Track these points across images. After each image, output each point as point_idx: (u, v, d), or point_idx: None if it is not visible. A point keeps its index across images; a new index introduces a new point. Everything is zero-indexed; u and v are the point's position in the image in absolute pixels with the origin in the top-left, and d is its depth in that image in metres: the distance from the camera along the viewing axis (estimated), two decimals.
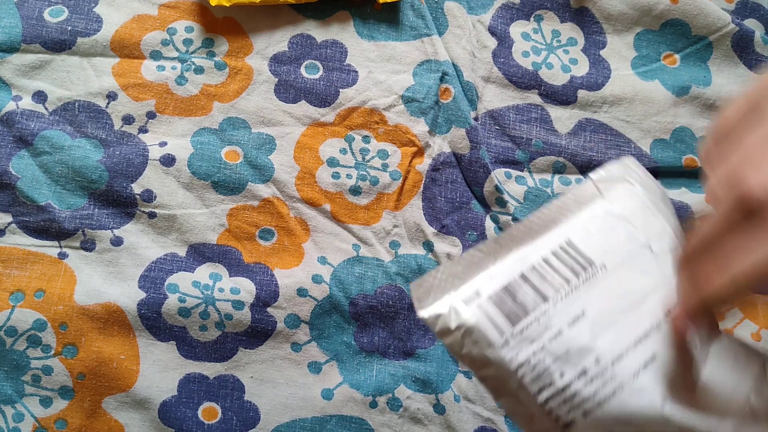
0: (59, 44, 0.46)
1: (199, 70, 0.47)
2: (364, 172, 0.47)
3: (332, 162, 0.47)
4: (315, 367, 0.44)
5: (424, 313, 0.25)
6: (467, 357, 0.24)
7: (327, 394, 0.43)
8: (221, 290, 0.43)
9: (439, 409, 0.43)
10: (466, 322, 0.24)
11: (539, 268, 0.25)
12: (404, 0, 0.50)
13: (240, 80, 0.47)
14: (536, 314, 0.24)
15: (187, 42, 0.48)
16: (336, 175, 0.46)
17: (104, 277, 0.43)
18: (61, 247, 0.44)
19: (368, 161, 0.47)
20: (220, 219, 0.45)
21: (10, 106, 0.45)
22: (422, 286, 0.26)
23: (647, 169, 0.48)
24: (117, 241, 0.44)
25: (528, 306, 0.24)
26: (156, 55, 0.47)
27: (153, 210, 0.44)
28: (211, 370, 0.43)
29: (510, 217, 0.47)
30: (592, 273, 0.25)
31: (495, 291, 0.24)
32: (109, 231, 0.44)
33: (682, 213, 0.47)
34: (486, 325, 0.24)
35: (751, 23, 0.53)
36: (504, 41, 0.50)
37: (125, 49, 0.47)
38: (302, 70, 0.48)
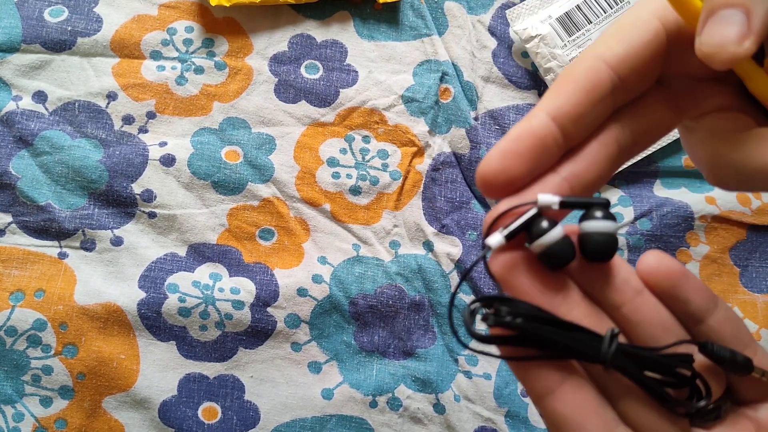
0: (59, 44, 0.46)
1: (199, 70, 0.47)
2: (364, 172, 0.47)
3: (332, 162, 0.47)
4: (315, 367, 0.44)
5: (517, 26, 0.48)
6: (540, 55, 0.47)
7: (327, 394, 0.43)
8: (221, 290, 0.43)
9: (439, 408, 0.43)
10: (543, 32, 0.47)
11: (589, 2, 0.46)
12: (404, 0, 0.50)
13: (240, 80, 0.47)
14: (583, 30, 0.46)
15: (187, 42, 0.48)
16: (336, 175, 0.46)
17: (104, 277, 0.43)
18: (61, 247, 0.44)
19: (368, 161, 0.47)
20: (220, 219, 0.45)
21: (10, 106, 0.45)
22: (515, 11, 0.49)
23: (647, 168, 0.49)
24: (117, 241, 0.44)
25: (579, 25, 0.46)
26: (156, 55, 0.47)
27: (153, 210, 0.45)
28: (211, 369, 0.43)
29: None
30: (621, 6, 0.46)
31: (559, 14, 0.47)
32: (109, 231, 0.44)
33: (682, 213, 0.47)
34: (553, 34, 0.46)
35: None
36: (504, 41, 0.50)
37: (125, 49, 0.47)
38: (302, 70, 0.48)
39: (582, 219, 0.20)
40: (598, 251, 0.20)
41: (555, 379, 0.20)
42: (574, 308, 0.20)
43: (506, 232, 0.19)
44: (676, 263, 0.21)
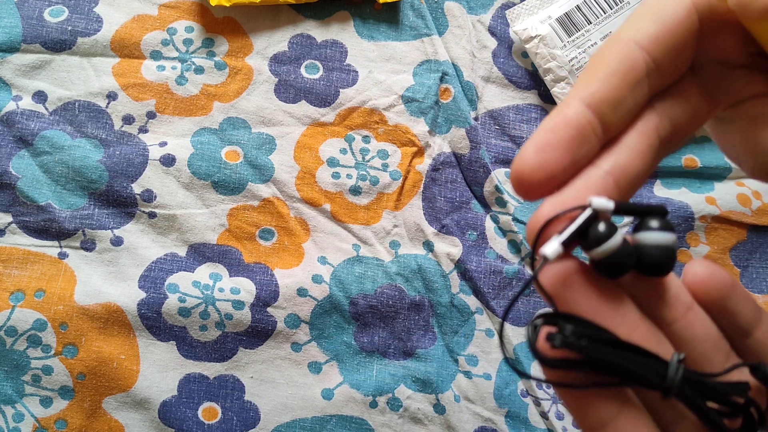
0: (59, 44, 0.46)
1: (199, 70, 0.47)
2: (364, 172, 0.47)
3: (332, 162, 0.47)
4: (315, 367, 0.44)
5: (517, 26, 0.48)
6: (540, 55, 0.47)
7: (327, 394, 0.43)
8: (221, 290, 0.43)
9: (439, 409, 0.43)
10: (542, 33, 0.47)
11: (589, 2, 0.46)
12: (404, 0, 0.50)
13: (240, 80, 0.47)
14: (582, 31, 0.46)
15: (187, 42, 0.48)
16: (336, 175, 0.46)
17: (104, 277, 0.43)
18: (61, 247, 0.43)
19: (368, 161, 0.47)
20: (220, 219, 0.45)
21: (10, 106, 0.45)
22: (515, 11, 0.49)
23: None
24: (117, 241, 0.44)
25: (578, 25, 0.46)
26: (156, 55, 0.47)
27: (153, 210, 0.44)
28: (211, 370, 0.43)
29: (510, 217, 0.47)
30: (621, 7, 0.46)
31: (559, 15, 0.47)
32: (109, 231, 0.44)
33: (682, 213, 0.47)
34: (553, 35, 0.46)
35: None
36: (504, 41, 0.50)
37: (125, 49, 0.47)
38: (302, 70, 0.48)
39: (637, 228, 0.18)
40: (657, 266, 0.18)
41: (611, 409, 0.18)
42: (634, 329, 0.19)
43: (562, 238, 0.17)
44: (726, 273, 0.20)
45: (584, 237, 0.17)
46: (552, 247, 0.17)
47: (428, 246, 0.46)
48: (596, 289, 0.18)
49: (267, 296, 0.43)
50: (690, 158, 0.49)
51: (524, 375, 0.18)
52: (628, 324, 0.18)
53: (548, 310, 0.18)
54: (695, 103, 0.20)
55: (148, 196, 0.45)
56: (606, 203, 0.17)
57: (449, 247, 0.46)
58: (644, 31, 0.18)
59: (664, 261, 0.18)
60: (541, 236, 0.17)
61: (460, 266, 0.46)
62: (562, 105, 0.18)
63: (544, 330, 0.17)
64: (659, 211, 0.18)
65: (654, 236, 0.18)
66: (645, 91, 0.19)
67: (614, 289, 0.19)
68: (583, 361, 0.17)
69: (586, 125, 0.18)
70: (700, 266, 0.20)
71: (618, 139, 0.19)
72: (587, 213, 0.17)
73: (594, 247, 0.17)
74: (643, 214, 0.18)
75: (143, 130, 0.46)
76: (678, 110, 0.20)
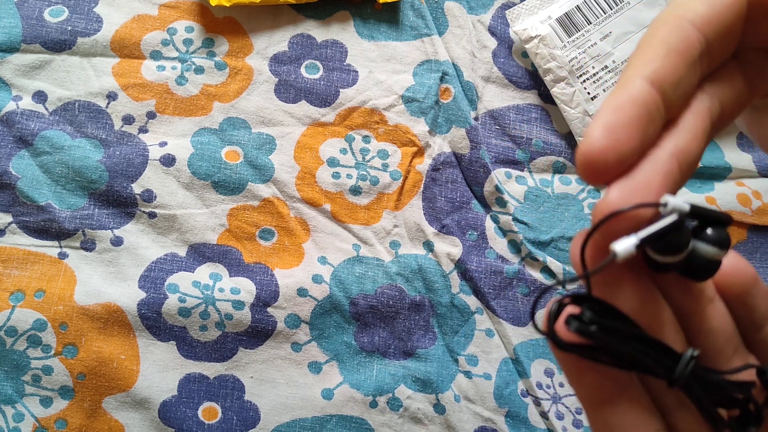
0: (59, 44, 0.46)
1: (200, 70, 0.47)
2: (365, 172, 0.47)
3: (332, 162, 0.47)
4: (315, 367, 0.44)
5: (517, 27, 0.48)
6: (540, 56, 0.46)
7: (327, 394, 0.43)
8: (221, 290, 0.43)
9: (439, 409, 0.43)
10: (542, 33, 0.46)
11: (589, 2, 0.46)
12: (404, 0, 0.50)
13: (240, 80, 0.47)
14: (582, 31, 0.46)
15: (188, 42, 0.48)
16: (336, 175, 0.46)
17: (104, 277, 0.43)
18: (61, 247, 0.43)
19: (368, 161, 0.47)
20: (220, 219, 0.45)
21: (10, 106, 0.45)
22: (515, 11, 0.48)
23: None
24: (117, 241, 0.44)
25: (578, 26, 0.46)
26: (156, 55, 0.47)
27: (153, 210, 0.44)
28: (211, 370, 0.43)
29: (510, 217, 0.47)
30: (621, 7, 0.46)
31: (559, 15, 0.46)
32: (109, 231, 0.44)
33: None
34: (552, 35, 0.46)
35: None
36: (504, 41, 0.50)
37: (125, 49, 0.47)
38: (302, 70, 0.48)
39: (695, 233, 0.18)
40: (701, 275, 0.18)
41: (613, 387, 0.18)
42: (656, 317, 0.19)
43: (639, 237, 0.16)
44: (750, 267, 0.20)
45: (658, 239, 0.17)
46: (626, 245, 0.16)
47: (428, 246, 0.46)
48: (641, 291, 0.18)
49: (267, 296, 0.43)
50: None
51: (542, 333, 0.18)
52: (659, 323, 0.18)
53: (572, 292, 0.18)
54: (739, 88, 0.20)
55: (148, 196, 0.45)
56: (683, 205, 0.16)
57: (449, 247, 0.46)
58: (696, 11, 0.18)
59: (709, 272, 0.18)
60: (605, 224, 0.16)
61: (461, 266, 0.46)
62: (623, 83, 0.17)
63: (567, 310, 0.17)
64: (724, 220, 0.18)
65: (709, 250, 0.18)
66: (699, 72, 0.18)
67: (652, 289, 0.19)
68: (593, 348, 0.17)
69: (652, 103, 0.17)
70: (728, 258, 0.20)
71: (676, 120, 0.18)
72: (672, 218, 0.16)
73: (670, 254, 0.17)
74: (708, 221, 0.18)
75: (143, 130, 0.46)
76: (726, 93, 0.19)
